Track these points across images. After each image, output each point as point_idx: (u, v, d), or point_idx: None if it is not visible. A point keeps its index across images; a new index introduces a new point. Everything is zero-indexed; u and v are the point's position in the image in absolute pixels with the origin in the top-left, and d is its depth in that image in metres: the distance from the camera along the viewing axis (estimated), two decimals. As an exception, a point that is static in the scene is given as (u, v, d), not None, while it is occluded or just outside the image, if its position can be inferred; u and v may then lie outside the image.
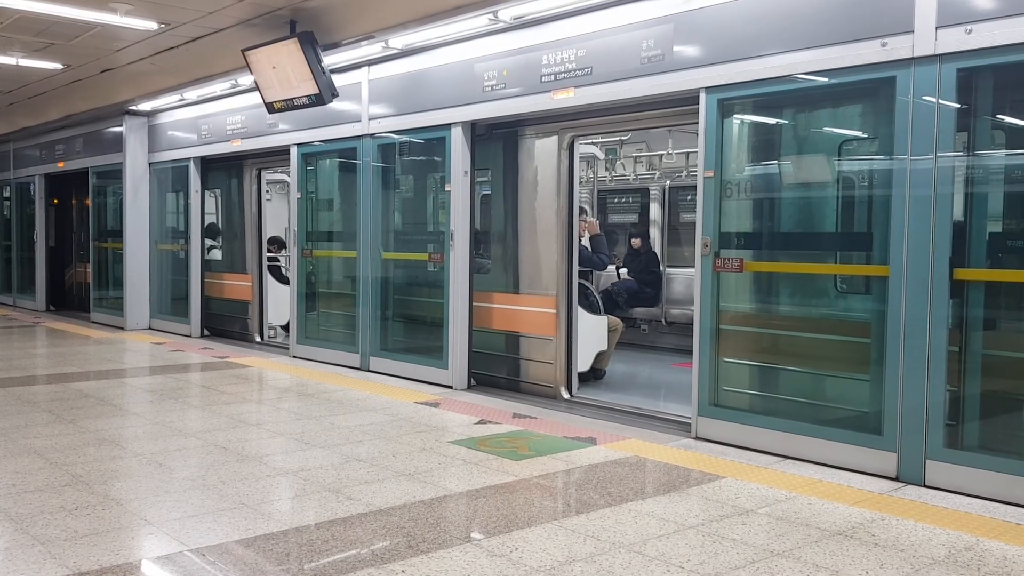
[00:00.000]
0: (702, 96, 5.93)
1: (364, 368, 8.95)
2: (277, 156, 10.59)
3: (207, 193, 12.19)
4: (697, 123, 5.99)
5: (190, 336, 11.95)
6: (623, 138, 10.75)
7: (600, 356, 8.43)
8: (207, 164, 11.97)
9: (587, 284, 8.68)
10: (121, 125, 12.65)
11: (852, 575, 3.57)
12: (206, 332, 12.07)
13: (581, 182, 9.69)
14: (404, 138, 8.66)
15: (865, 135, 5.64)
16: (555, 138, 7.44)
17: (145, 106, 12.22)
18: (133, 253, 12.74)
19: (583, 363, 7.98)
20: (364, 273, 8.97)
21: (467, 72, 7.69)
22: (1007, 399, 4.95)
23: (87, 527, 4.04)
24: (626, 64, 6.42)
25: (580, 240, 7.87)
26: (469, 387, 7.96)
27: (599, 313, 8.58)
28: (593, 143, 10.51)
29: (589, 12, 6.69)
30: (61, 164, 14.58)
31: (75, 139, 14.06)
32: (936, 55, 4.79)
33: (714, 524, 4.20)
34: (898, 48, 4.94)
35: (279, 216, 13.02)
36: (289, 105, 8.90)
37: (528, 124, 7.64)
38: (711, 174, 5.89)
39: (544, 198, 7.55)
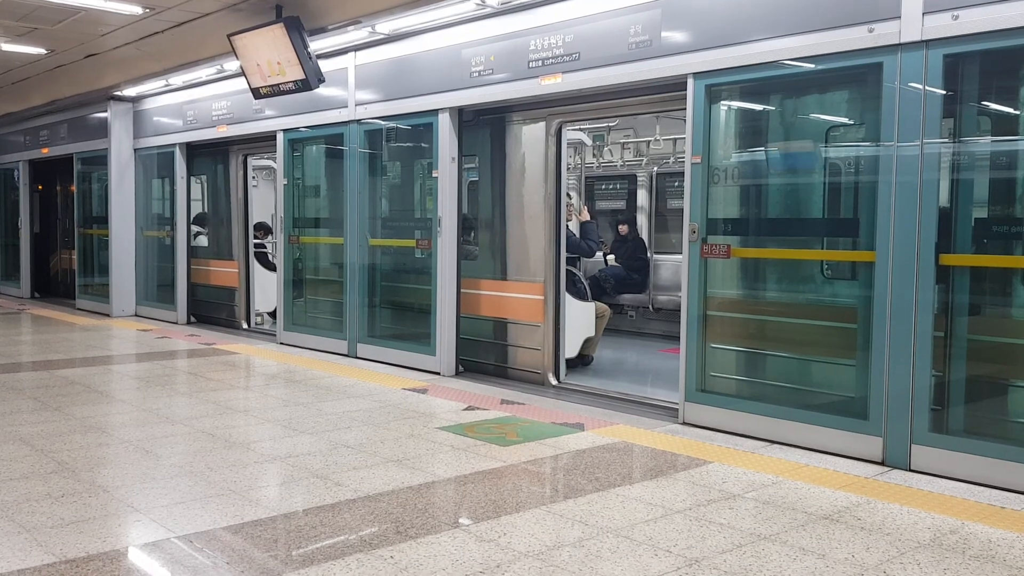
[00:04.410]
0: (690, 82, 5.93)
1: (351, 355, 8.94)
2: (263, 142, 10.54)
3: (193, 179, 12.12)
4: (685, 109, 5.99)
5: (176, 323, 11.90)
6: (611, 124, 10.74)
7: (588, 342, 8.44)
8: (193, 150, 11.90)
9: (574, 270, 8.69)
10: (106, 111, 12.55)
11: (838, 559, 3.59)
12: (192, 319, 12.03)
13: (568, 168, 9.68)
14: (391, 124, 8.62)
15: (852, 121, 5.65)
16: (543, 124, 7.42)
17: (130, 91, 12.13)
18: (119, 240, 12.67)
19: (571, 349, 7.99)
20: (351, 259, 8.94)
21: (454, 58, 7.66)
22: (991, 384, 4.98)
23: (73, 514, 4.02)
24: (614, 50, 6.41)
25: (567, 226, 7.88)
26: (457, 374, 7.97)
27: (586, 299, 8.59)
28: (580, 129, 10.49)
29: (577, -3, 6.68)
30: (45, 150, 14.47)
31: (59, 125, 13.94)
32: (923, 41, 4.80)
33: (701, 508, 4.22)
34: (885, 34, 4.94)
35: (265, 202, 12.96)
36: (275, 91, 8.84)
37: (516, 110, 7.62)
38: (698, 160, 5.90)
39: (531, 184, 7.54)
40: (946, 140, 4.84)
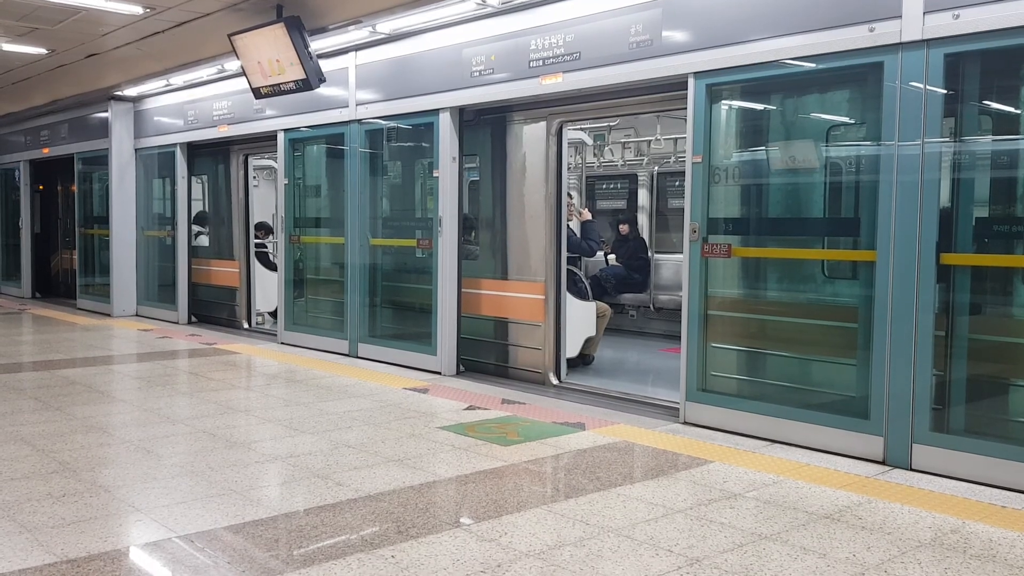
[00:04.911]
0: (690, 81, 5.93)
1: (352, 354, 8.94)
2: (264, 142, 10.54)
3: (194, 179, 12.13)
4: (685, 108, 5.99)
5: (177, 323, 11.90)
6: (611, 124, 10.74)
7: (588, 342, 8.44)
8: (194, 150, 11.90)
9: (575, 270, 8.68)
10: (107, 111, 12.55)
11: (839, 558, 3.59)
12: (193, 319, 12.03)
13: (569, 168, 9.69)
14: (392, 124, 8.62)
15: (853, 121, 5.64)
16: (543, 124, 7.42)
17: (131, 91, 12.13)
18: (119, 239, 12.67)
19: (571, 349, 7.98)
20: (352, 259, 8.94)
21: (455, 57, 7.66)
22: (992, 383, 4.98)
23: (74, 514, 4.03)
24: (614, 49, 6.41)
25: (568, 226, 7.88)
26: (458, 373, 7.97)
27: (587, 299, 8.59)
28: (581, 129, 10.49)
29: (577, -3, 6.68)
30: (46, 150, 14.47)
31: (60, 125, 13.95)
32: (924, 40, 4.80)
33: (702, 508, 4.22)
34: (886, 33, 4.94)
35: (266, 202, 12.97)
36: (276, 90, 8.85)
37: (516, 109, 7.62)
38: (699, 160, 5.89)
39: (532, 184, 7.54)
40: (947, 139, 4.83)
